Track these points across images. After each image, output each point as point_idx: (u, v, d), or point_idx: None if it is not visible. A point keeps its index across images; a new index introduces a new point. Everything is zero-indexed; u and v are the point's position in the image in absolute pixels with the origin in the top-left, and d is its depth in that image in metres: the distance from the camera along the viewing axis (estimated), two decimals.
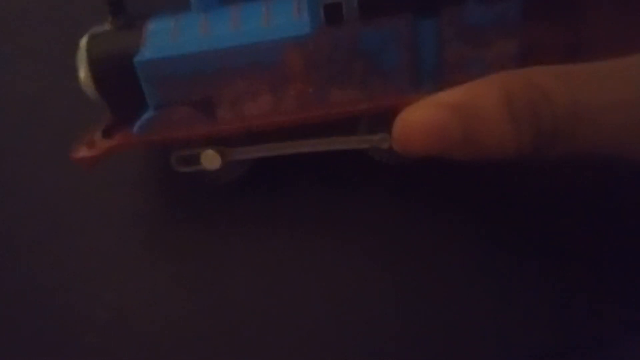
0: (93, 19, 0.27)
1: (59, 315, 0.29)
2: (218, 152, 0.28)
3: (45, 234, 0.30)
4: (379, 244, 0.29)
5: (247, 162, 0.29)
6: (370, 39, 0.25)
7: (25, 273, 0.30)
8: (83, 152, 0.28)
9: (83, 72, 0.27)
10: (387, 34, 0.25)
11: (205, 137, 0.27)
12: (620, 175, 0.28)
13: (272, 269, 0.29)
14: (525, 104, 0.23)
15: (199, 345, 0.28)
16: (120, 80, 0.27)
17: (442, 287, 0.28)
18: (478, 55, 0.25)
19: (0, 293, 0.30)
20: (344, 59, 0.25)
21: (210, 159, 0.28)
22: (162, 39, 0.26)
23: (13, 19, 0.33)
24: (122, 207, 0.31)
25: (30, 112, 0.32)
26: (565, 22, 0.26)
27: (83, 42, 0.27)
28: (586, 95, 0.23)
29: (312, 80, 0.26)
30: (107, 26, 0.27)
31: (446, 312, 0.28)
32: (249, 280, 0.29)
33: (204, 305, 0.29)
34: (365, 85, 0.26)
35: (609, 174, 0.28)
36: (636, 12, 0.25)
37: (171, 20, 0.27)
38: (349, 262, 0.29)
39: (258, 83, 0.26)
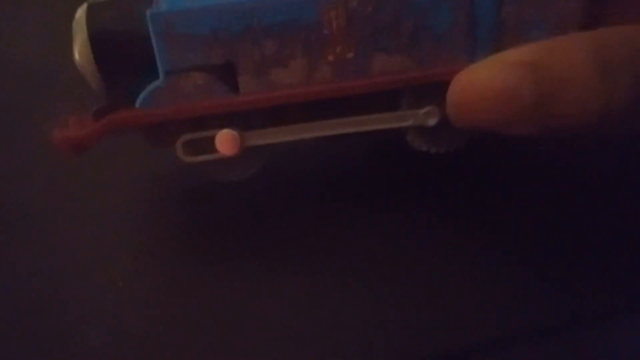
0: None
1: (55, 312, 0.25)
2: (237, 133, 0.23)
3: (41, 229, 0.27)
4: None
5: (262, 157, 0.25)
6: None
7: (20, 267, 0.26)
8: (70, 132, 0.23)
9: (80, 48, 0.22)
10: None
11: (222, 114, 0.23)
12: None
13: (276, 268, 0.26)
14: (620, 54, 0.20)
15: (195, 345, 0.24)
16: (125, 58, 0.22)
17: (442, 260, 0.26)
18: (539, 16, 0.23)
19: None
20: (391, 17, 0.22)
21: (227, 143, 0.23)
22: None
23: None
24: (119, 204, 0.27)
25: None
26: None
27: (80, 13, 0.23)
28: None
29: (353, 43, 0.23)
30: None
31: (446, 285, 0.25)
32: (250, 281, 0.25)
33: (200, 305, 0.25)
34: (413, 49, 0.23)
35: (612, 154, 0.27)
36: None
37: None
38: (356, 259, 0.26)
39: (290, 45, 0.22)
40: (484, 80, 0.21)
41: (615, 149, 0.28)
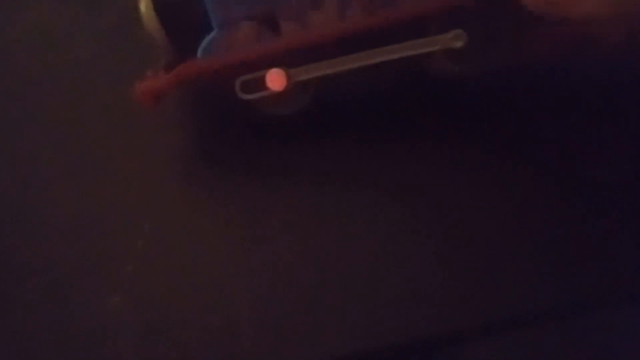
0: None
1: (99, 244, 0.27)
2: (284, 70, 0.27)
3: (85, 167, 0.30)
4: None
5: (307, 95, 0.28)
6: None
7: (65, 203, 0.29)
8: (148, 84, 0.27)
9: (145, 7, 0.27)
10: None
11: (270, 55, 0.27)
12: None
13: (309, 224, 0.27)
14: None
15: (224, 286, 0.26)
16: (183, 12, 0.27)
17: (452, 239, 0.27)
18: None
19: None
20: None
21: (276, 80, 0.27)
22: None
23: None
24: (164, 146, 0.30)
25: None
26: None
27: None
28: None
29: None
30: None
31: (455, 264, 0.26)
32: (282, 232, 0.27)
33: (233, 249, 0.27)
34: None
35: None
36: None
37: None
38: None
39: None
40: None
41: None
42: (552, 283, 0.26)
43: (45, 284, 0.27)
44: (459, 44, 0.26)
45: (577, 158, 0.28)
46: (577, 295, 0.26)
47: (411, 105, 0.29)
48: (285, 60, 0.27)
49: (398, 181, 0.28)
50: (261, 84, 0.27)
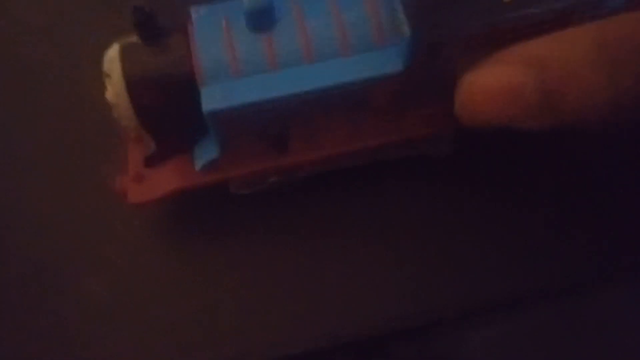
0: None
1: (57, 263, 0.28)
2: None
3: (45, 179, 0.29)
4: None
5: None
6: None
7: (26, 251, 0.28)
8: (134, 192, 0.25)
9: (114, 88, 0.23)
10: None
11: (274, 170, 0.25)
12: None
13: (282, 275, 0.28)
14: (625, 47, 0.20)
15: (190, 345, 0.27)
16: (160, 96, 0.23)
17: (444, 221, 0.28)
18: None
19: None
20: (431, 87, 0.24)
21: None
22: (223, 75, 0.23)
23: None
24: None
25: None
26: None
27: (113, 53, 0.23)
28: None
29: (394, 110, 0.24)
30: (134, 38, 0.23)
31: (450, 249, 0.27)
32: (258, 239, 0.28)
33: (201, 305, 0.28)
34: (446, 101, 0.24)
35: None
36: None
37: (218, 33, 0.23)
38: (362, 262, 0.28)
39: (339, 117, 0.24)
40: (488, 80, 0.21)
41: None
42: (551, 265, 0.27)
43: (27, 272, 0.28)
44: (449, 151, 0.27)
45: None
46: (574, 274, 0.27)
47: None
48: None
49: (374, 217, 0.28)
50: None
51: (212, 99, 0.22)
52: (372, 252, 0.27)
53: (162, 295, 0.28)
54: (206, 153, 0.24)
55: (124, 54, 0.23)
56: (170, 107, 0.23)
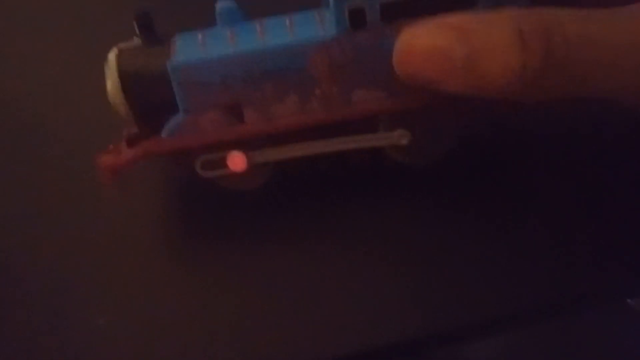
0: None
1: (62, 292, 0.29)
2: (244, 154, 0.29)
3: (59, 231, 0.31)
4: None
5: (268, 170, 0.30)
6: (392, 41, 0.27)
7: (32, 270, 0.30)
8: (109, 160, 0.28)
9: (111, 85, 0.27)
10: None
11: (232, 140, 0.28)
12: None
13: (287, 280, 0.29)
14: (537, 28, 0.23)
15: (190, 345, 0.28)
16: (149, 93, 0.28)
17: (443, 237, 0.29)
18: None
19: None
20: (367, 61, 0.27)
21: (236, 161, 0.29)
22: (192, 48, 0.27)
23: None
24: (140, 211, 0.31)
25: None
26: None
27: (112, 56, 0.28)
28: (602, 32, 0.23)
29: (336, 82, 0.28)
30: (135, 42, 0.28)
31: (446, 264, 0.28)
32: (259, 291, 0.29)
33: (201, 305, 0.29)
34: (388, 85, 0.28)
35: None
36: None
37: (198, 34, 0.28)
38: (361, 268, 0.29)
39: (285, 85, 0.28)
40: (422, 39, 0.24)
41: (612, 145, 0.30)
42: (550, 281, 0.27)
43: (32, 301, 0.29)
44: (404, 142, 0.29)
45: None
46: (574, 293, 0.27)
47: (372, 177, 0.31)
48: (246, 143, 0.29)
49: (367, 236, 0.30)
50: (222, 163, 0.29)
51: (176, 59, 0.27)
52: (370, 266, 0.29)
53: (162, 295, 0.29)
54: (172, 121, 0.28)
55: (121, 56, 0.28)
56: (158, 101, 0.28)
